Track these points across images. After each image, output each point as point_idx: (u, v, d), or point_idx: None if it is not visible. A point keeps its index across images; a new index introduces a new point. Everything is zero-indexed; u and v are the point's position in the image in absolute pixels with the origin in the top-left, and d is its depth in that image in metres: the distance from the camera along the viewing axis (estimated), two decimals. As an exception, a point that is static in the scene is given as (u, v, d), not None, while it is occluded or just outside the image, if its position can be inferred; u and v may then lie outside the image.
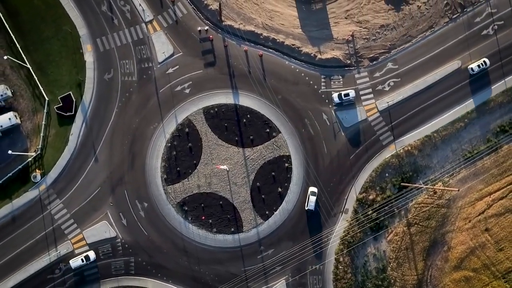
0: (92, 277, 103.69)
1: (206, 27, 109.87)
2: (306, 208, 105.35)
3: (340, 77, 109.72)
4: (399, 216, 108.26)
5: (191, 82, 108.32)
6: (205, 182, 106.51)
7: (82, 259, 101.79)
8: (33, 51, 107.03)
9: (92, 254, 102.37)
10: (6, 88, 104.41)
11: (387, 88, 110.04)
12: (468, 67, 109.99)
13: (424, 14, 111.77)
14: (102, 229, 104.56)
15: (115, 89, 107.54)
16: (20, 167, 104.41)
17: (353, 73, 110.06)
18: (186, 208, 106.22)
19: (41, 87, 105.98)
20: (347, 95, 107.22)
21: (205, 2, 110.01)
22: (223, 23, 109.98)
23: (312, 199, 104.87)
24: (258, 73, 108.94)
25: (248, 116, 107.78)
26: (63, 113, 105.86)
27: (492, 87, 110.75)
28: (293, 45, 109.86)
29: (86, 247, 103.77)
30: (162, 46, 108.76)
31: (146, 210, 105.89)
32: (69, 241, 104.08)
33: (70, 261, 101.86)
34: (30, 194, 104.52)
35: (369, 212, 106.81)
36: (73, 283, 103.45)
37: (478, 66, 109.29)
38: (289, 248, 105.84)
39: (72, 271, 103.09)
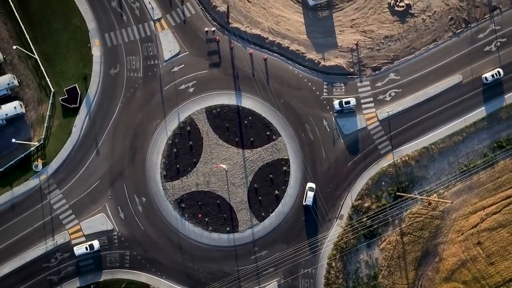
0: (87, 268, 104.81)
1: (213, 28, 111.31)
2: (304, 204, 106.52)
3: (342, 84, 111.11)
4: (393, 224, 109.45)
5: (195, 82, 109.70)
6: (203, 180, 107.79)
7: (86, 247, 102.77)
8: (41, 42, 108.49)
9: (96, 243, 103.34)
10: (13, 77, 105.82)
11: (388, 98, 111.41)
12: (482, 76, 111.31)
13: (429, 27, 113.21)
14: (100, 221, 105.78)
15: (120, 84, 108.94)
16: (22, 155, 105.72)
17: (355, 82, 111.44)
18: (183, 205, 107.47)
19: (47, 78, 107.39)
20: (348, 102, 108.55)
21: (214, 4, 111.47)
22: (230, 25, 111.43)
23: (310, 194, 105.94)
24: (262, 77, 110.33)
25: (250, 118, 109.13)
26: (67, 105, 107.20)
27: (494, 101, 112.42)
28: (297, 50, 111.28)
29: (83, 238, 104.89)
30: (169, 45, 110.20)
31: (144, 205, 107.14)
32: (66, 231, 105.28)
33: (74, 248, 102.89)
34: (31, 183, 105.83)
35: (364, 219, 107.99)
36: (68, 273, 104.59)
37: (492, 76, 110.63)
38: (283, 251, 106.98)
39: (68, 260, 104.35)
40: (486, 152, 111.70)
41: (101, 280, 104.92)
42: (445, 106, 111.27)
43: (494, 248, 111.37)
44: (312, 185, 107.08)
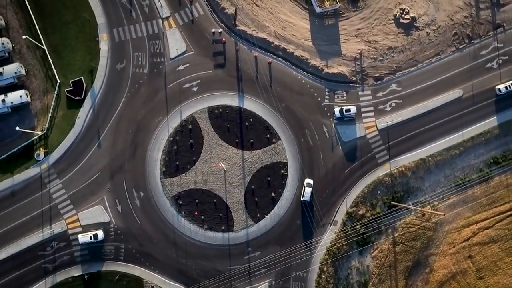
0: (82, 258, 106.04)
1: (220, 30, 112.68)
2: (301, 199, 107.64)
3: (344, 92, 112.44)
4: (386, 233, 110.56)
5: (199, 81, 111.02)
6: (202, 179, 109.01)
7: (90, 237, 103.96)
8: (51, 33, 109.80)
9: (100, 233, 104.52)
10: (21, 66, 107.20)
11: (388, 109, 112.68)
12: (496, 87, 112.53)
13: (432, 41, 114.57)
14: (97, 213, 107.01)
15: (126, 79, 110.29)
16: (25, 144, 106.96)
17: (357, 90, 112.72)
18: (180, 202, 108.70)
19: (54, 69, 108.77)
20: (348, 110, 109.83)
21: (222, 5, 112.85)
22: (237, 27, 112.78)
23: (308, 190, 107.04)
24: (265, 80, 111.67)
25: (251, 120, 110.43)
26: (72, 97, 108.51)
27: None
28: (302, 56, 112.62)
29: (80, 229, 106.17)
30: (176, 43, 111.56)
31: (141, 200, 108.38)
32: (64, 220, 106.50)
33: (79, 236, 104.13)
34: (31, 171, 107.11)
35: (357, 227, 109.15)
36: (63, 262, 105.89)
37: (506, 87, 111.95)
38: (276, 252, 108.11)
39: (64, 249, 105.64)
40: (482, 167, 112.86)
41: (95, 271, 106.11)
42: (444, 119, 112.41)
43: (484, 263, 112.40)
44: (310, 181, 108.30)
